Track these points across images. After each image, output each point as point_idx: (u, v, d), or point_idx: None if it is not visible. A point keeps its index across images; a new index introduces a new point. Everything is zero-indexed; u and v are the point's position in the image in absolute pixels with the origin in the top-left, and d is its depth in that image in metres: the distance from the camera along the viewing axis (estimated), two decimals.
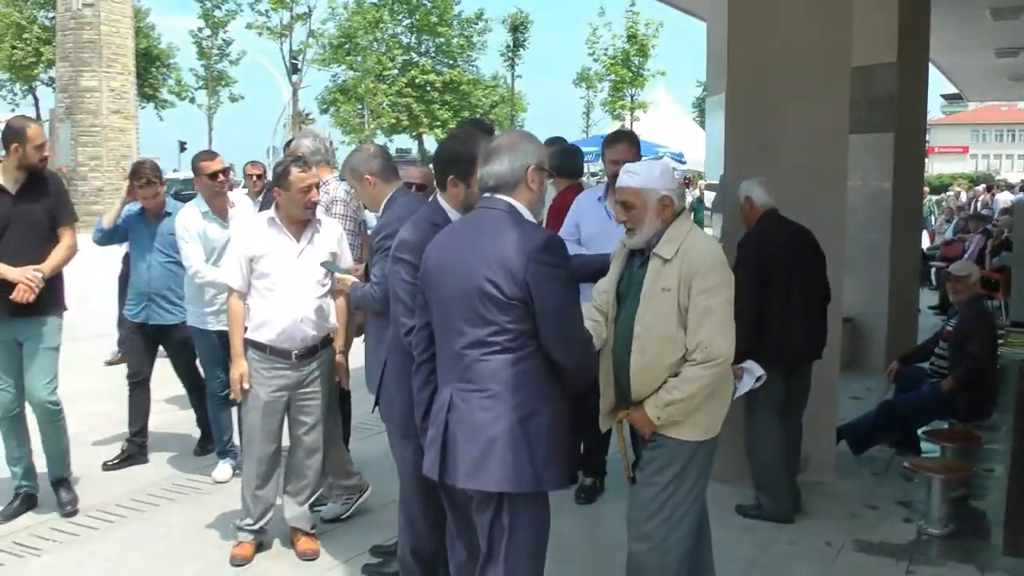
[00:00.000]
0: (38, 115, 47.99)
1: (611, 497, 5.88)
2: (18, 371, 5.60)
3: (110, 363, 9.63)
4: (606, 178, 6.06)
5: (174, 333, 6.59)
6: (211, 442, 6.72)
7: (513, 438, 3.24)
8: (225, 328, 5.44)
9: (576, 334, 3.31)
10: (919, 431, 6.94)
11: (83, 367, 9.07)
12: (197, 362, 6.66)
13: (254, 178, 8.89)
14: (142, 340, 6.64)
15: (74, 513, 5.69)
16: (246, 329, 5.06)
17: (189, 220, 6.09)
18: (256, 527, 5.15)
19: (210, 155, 6.32)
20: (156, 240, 6.53)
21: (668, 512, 3.82)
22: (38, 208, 5.48)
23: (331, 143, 6.29)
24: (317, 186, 5.13)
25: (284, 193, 5.00)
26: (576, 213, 5.94)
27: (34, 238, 5.46)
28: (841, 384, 6.75)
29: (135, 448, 6.69)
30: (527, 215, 3.42)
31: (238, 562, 5.06)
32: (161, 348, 6.78)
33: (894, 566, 5.11)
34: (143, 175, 6.43)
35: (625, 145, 5.81)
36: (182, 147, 49.42)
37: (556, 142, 6.81)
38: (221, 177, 6.12)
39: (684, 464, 3.80)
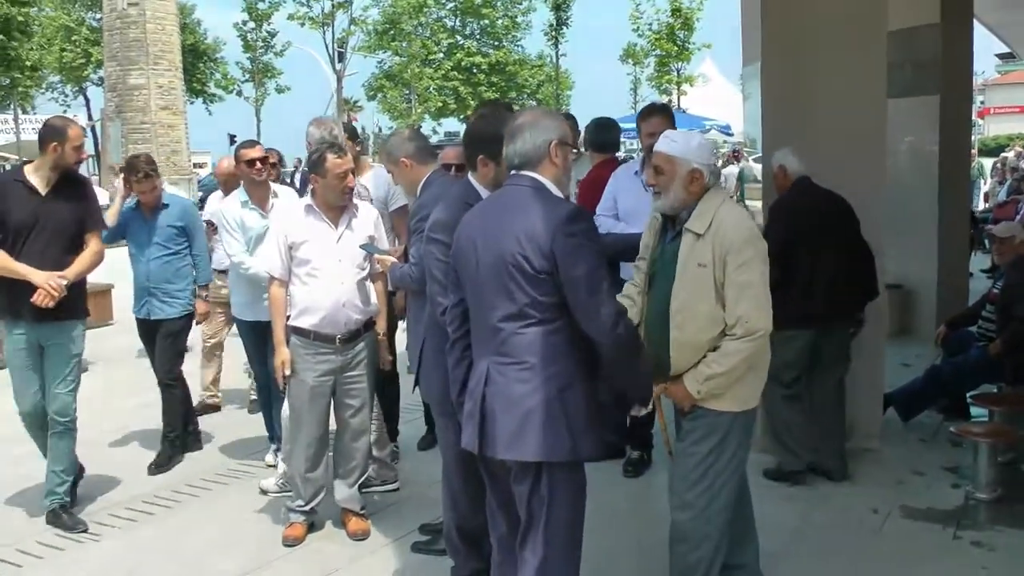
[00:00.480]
0: (89, 115, 48.81)
1: (658, 470, 5.90)
2: (43, 375, 5.51)
3: None
4: (642, 152, 6.06)
5: (168, 325, 6.50)
6: (170, 456, 6.56)
7: (550, 409, 3.30)
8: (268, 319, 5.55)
9: (603, 307, 3.30)
10: (967, 396, 6.87)
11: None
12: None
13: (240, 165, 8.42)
14: (149, 337, 6.59)
15: (85, 529, 5.48)
16: (288, 317, 5.14)
17: (227, 209, 6.13)
18: (307, 508, 5.25)
19: (250, 144, 6.30)
20: (154, 234, 6.48)
21: (709, 481, 3.85)
22: (67, 211, 5.41)
23: (342, 131, 6.18)
24: (353, 172, 5.17)
25: (321, 180, 5.04)
26: (613, 188, 5.96)
27: (61, 241, 5.38)
28: (891, 351, 6.71)
29: (169, 446, 6.60)
30: (554, 190, 3.46)
31: (290, 542, 5.16)
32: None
33: (941, 532, 5.09)
34: (139, 168, 6.34)
35: (659, 118, 5.79)
36: (232, 140, 49.75)
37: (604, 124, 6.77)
38: (259, 165, 6.08)
39: (724, 434, 3.84)
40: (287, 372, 5.10)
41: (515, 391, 3.33)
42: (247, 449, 6.80)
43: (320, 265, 5.06)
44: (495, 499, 3.73)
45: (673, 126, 5.69)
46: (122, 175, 6.66)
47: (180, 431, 6.67)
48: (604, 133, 6.59)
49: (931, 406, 6.87)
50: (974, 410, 6.82)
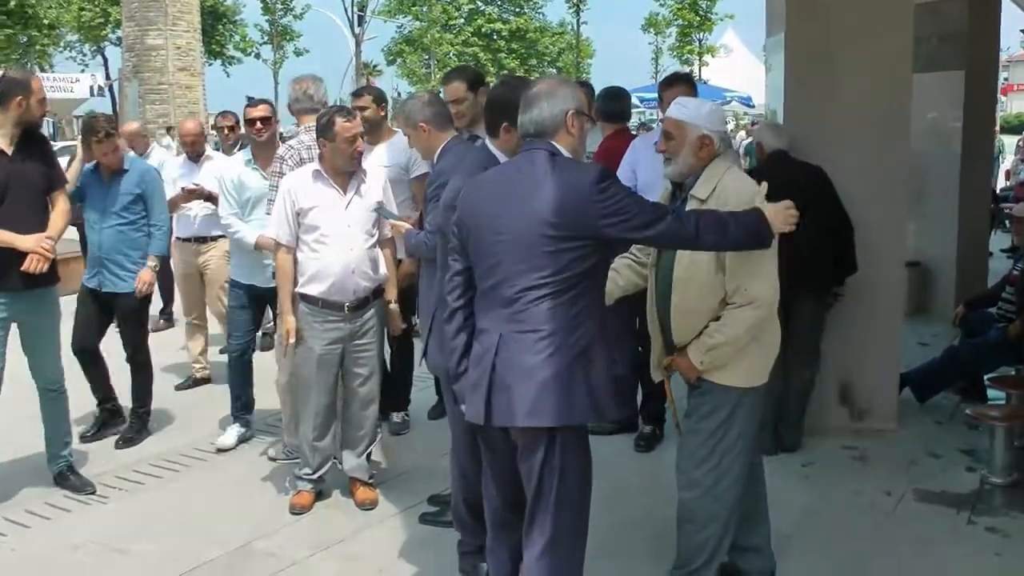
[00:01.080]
0: (107, 75, 48.74)
1: (670, 445, 5.81)
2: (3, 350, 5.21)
3: (155, 330, 9.28)
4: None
5: (125, 301, 6.13)
6: (108, 426, 6.39)
7: (570, 374, 3.24)
8: (268, 285, 5.58)
9: (672, 230, 3.31)
10: (985, 377, 6.79)
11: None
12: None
13: (225, 130, 7.79)
14: (94, 308, 6.16)
15: (94, 491, 5.46)
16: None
17: (227, 168, 6.03)
18: (315, 477, 5.22)
19: (253, 103, 6.16)
20: (111, 201, 6.02)
21: (716, 459, 3.80)
22: (35, 170, 5.14)
23: (322, 90, 5.96)
24: (362, 135, 5.09)
25: (329, 144, 4.94)
26: (632, 159, 5.88)
27: (33, 202, 5.14)
28: (909, 330, 6.64)
29: (107, 415, 6.42)
30: (570, 158, 3.40)
31: (297, 510, 5.13)
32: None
33: (955, 516, 5.02)
34: (99, 128, 5.89)
35: (683, 87, 5.70)
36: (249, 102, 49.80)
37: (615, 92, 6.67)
38: (259, 125, 5.95)
39: (731, 410, 3.78)
40: (292, 340, 5.04)
41: (531, 360, 3.25)
42: (255, 415, 6.74)
43: (329, 232, 4.99)
44: (492, 473, 3.67)
45: (695, 96, 5.62)
46: (80, 136, 6.39)
47: (149, 407, 6.46)
48: (615, 102, 6.47)
49: (948, 387, 6.78)
50: (991, 392, 6.74)
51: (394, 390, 6.23)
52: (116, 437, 6.29)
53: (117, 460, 5.98)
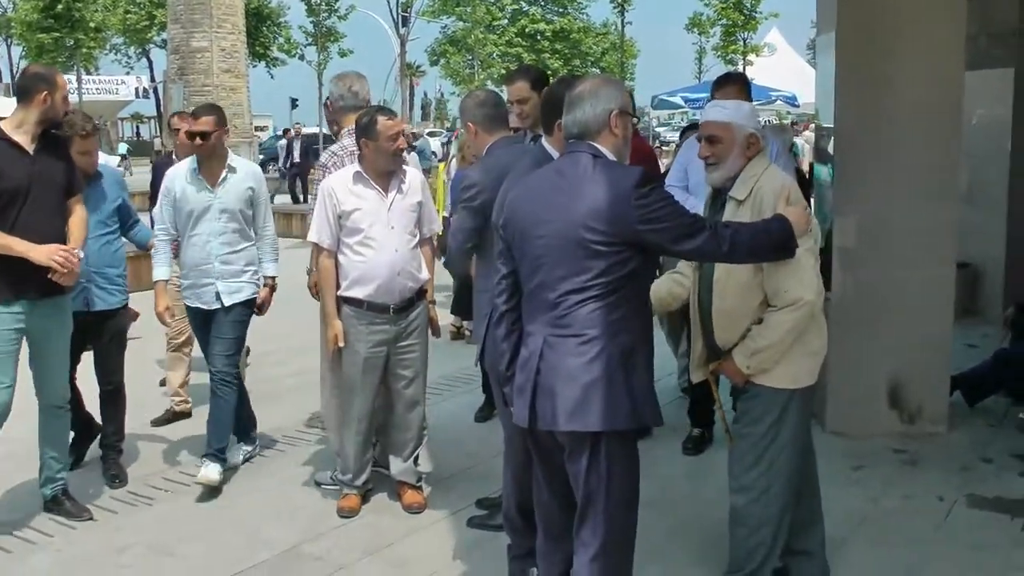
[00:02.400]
0: (152, 77, 49.31)
1: (719, 447, 5.79)
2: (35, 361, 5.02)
3: None
4: None
5: (113, 320, 5.69)
6: (82, 446, 5.96)
7: (612, 378, 3.23)
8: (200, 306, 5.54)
9: (704, 243, 3.29)
10: None
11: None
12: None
13: (180, 132, 6.61)
14: (76, 332, 5.29)
15: (90, 516, 5.19)
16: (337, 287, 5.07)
17: (170, 176, 5.65)
18: (358, 483, 5.23)
19: (197, 112, 5.62)
20: (94, 208, 5.44)
21: (767, 462, 3.79)
22: (57, 172, 4.87)
23: (366, 87, 5.75)
24: (404, 133, 5.06)
25: (371, 143, 4.92)
26: (684, 159, 5.90)
27: (55, 206, 4.86)
28: (957, 332, 6.53)
29: (113, 452, 5.84)
30: (613, 159, 3.38)
31: (345, 514, 5.14)
32: None
33: (1009, 523, 4.93)
34: (76, 125, 5.37)
35: (736, 87, 5.69)
36: (293, 104, 50.24)
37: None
38: (200, 141, 5.45)
39: (780, 412, 3.76)
40: (341, 343, 5.03)
41: (574, 363, 3.25)
42: (299, 417, 6.78)
43: (373, 234, 4.97)
44: (543, 476, 3.65)
45: (748, 96, 5.58)
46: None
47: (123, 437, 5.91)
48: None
49: (999, 390, 6.68)
50: None
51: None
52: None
53: (154, 465, 6.02)
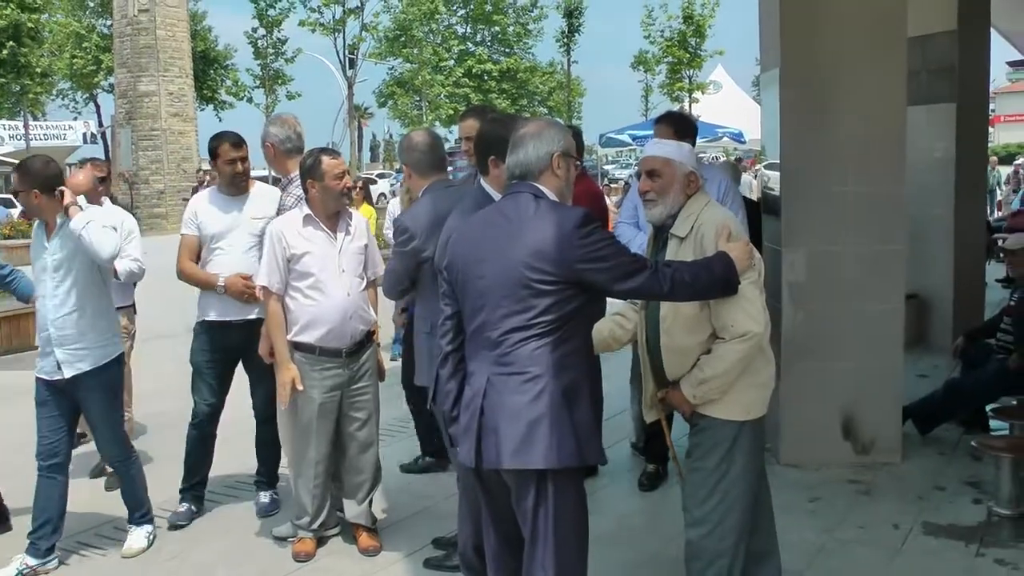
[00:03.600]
0: (100, 122, 48.87)
1: (674, 483, 5.80)
2: None
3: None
4: None
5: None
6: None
7: (557, 416, 3.23)
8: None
9: (643, 283, 3.32)
10: (987, 408, 6.77)
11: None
12: None
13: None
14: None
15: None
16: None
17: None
18: (315, 526, 5.16)
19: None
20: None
21: (720, 495, 3.78)
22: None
23: (300, 132, 5.65)
24: (348, 172, 5.03)
25: (318, 184, 4.88)
26: (635, 197, 5.85)
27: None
28: (907, 362, 6.61)
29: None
30: (555, 200, 3.41)
31: (301, 558, 5.06)
32: None
33: (963, 549, 4.97)
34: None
35: (669, 127, 5.69)
36: None
37: None
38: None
39: (730, 445, 3.76)
40: (300, 387, 4.94)
41: (518, 400, 3.25)
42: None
43: (324, 278, 4.92)
44: (490, 515, 3.63)
45: (690, 134, 5.62)
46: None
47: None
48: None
49: (950, 419, 6.76)
50: (994, 423, 6.72)
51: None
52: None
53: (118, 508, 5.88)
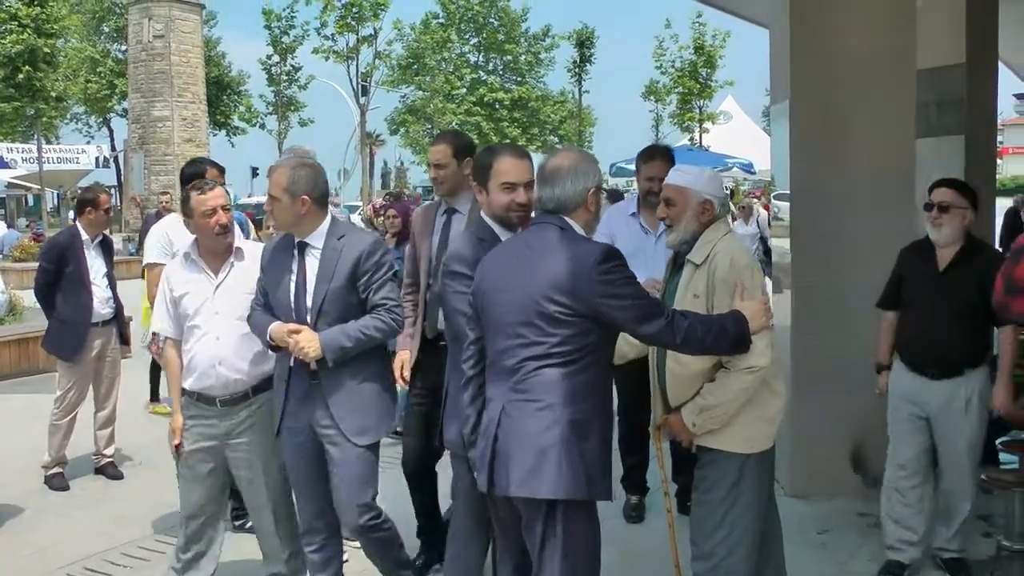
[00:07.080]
0: (113, 146, 49.18)
1: (658, 514, 5.77)
2: None
3: None
4: (640, 193, 5.96)
5: None
6: None
7: (567, 447, 3.23)
8: None
9: (658, 328, 3.30)
10: (997, 441, 6.72)
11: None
12: None
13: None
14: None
15: None
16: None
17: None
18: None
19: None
20: None
21: (727, 529, 3.77)
22: None
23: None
24: (225, 208, 4.53)
25: (190, 221, 4.56)
26: (609, 229, 5.70)
27: None
28: None
29: None
30: (580, 234, 3.44)
31: None
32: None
33: None
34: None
35: (660, 162, 5.67)
36: (254, 172, 50.34)
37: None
38: None
39: (736, 479, 3.76)
40: (176, 441, 4.55)
41: (530, 428, 3.26)
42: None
43: (198, 321, 4.50)
44: (503, 544, 3.64)
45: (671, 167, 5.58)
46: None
47: None
48: None
49: None
50: (1003, 456, 6.66)
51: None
52: None
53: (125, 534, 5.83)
